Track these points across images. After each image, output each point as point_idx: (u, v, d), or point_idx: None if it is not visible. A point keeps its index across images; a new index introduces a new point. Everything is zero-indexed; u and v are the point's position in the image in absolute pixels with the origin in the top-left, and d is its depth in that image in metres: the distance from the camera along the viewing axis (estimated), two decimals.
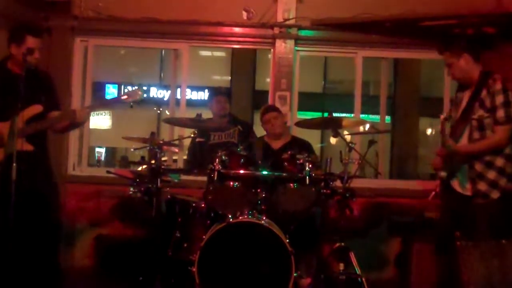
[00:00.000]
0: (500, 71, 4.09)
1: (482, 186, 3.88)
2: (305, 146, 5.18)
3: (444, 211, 4.23)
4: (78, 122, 4.21)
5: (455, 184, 4.05)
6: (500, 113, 3.82)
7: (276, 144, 5.27)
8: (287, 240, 4.09)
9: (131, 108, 4.25)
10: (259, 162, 4.63)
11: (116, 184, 5.63)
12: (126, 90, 4.33)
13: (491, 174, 3.87)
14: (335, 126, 4.86)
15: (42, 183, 4.16)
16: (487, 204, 3.86)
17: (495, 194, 3.86)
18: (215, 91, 6.47)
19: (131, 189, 4.81)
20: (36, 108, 4.07)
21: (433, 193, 4.13)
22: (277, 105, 6.14)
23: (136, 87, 4.30)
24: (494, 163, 3.88)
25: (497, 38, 5.84)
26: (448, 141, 3.91)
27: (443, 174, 4.06)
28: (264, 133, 5.49)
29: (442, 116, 3.95)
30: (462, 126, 3.99)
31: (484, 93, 3.91)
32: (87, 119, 4.25)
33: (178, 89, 6.77)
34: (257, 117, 12.56)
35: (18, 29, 4.16)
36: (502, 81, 3.89)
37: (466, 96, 4.06)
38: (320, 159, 7.42)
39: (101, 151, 15.01)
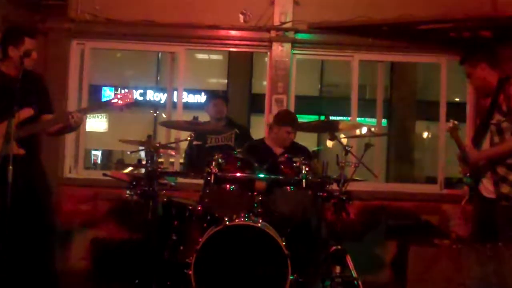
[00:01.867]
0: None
1: (504, 189, 3.93)
2: (304, 152, 5.16)
3: (475, 216, 4.29)
4: (72, 125, 4.16)
5: (482, 188, 4.09)
6: None
7: (278, 149, 5.23)
8: (284, 243, 4.09)
9: (121, 111, 4.23)
10: (261, 164, 4.60)
11: (112, 187, 5.64)
12: (117, 93, 4.25)
13: None
14: (331, 129, 4.87)
15: (33, 186, 4.12)
16: (510, 206, 3.90)
17: None
18: (212, 94, 6.47)
19: (128, 192, 4.81)
20: (27, 112, 4.04)
21: (465, 198, 4.15)
22: (274, 108, 6.15)
23: (127, 90, 4.25)
24: None
25: (493, 42, 5.86)
26: (466, 149, 3.98)
27: (468, 180, 4.09)
28: (261, 136, 5.48)
29: (449, 125, 4.02)
30: (483, 132, 4.07)
31: (501, 98, 3.96)
32: (81, 122, 4.22)
33: (175, 92, 6.77)
34: (253, 120, 12.65)
35: (15, 31, 4.16)
36: None
37: (487, 103, 4.12)
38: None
39: (97, 154, 14.98)
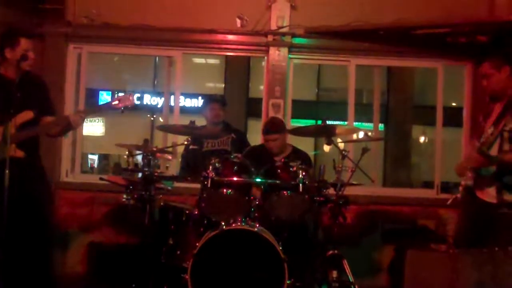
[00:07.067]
0: None
1: (508, 197, 3.87)
2: (304, 159, 5.14)
3: (465, 218, 4.25)
4: (72, 126, 4.19)
5: (479, 192, 4.03)
6: None
7: (278, 158, 5.21)
8: (280, 248, 4.09)
9: (122, 113, 4.22)
10: (259, 168, 4.59)
11: (109, 191, 5.63)
12: (117, 96, 4.26)
13: None
14: (328, 133, 4.86)
15: (33, 189, 4.11)
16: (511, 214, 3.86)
17: None
18: (209, 98, 6.45)
19: (124, 196, 4.80)
20: (28, 114, 4.04)
21: (454, 196, 4.09)
22: (271, 113, 6.15)
23: (128, 93, 4.25)
24: None
25: (489, 47, 5.88)
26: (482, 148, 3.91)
27: (469, 182, 4.02)
28: (258, 140, 5.46)
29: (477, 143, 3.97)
30: (492, 137, 3.96)
31: None
32: (80, 124, 4.24)
33: (172, 96, 6.77)
34: (251, 125, 12.64)
35: (10, 32, 4.15)
36: None
37: (497, 107, 4.04)
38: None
39: (94, 158, 14.97)
